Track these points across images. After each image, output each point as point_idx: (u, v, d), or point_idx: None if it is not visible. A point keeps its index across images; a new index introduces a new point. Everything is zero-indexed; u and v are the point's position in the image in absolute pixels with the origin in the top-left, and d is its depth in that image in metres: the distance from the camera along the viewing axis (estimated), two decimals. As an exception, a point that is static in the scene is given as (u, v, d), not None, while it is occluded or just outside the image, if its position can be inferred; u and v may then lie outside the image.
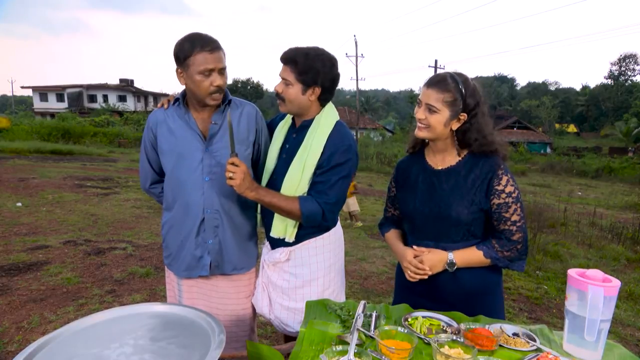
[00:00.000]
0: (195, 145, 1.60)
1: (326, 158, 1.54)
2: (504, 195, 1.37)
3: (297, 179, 1.55)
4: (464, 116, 1.38)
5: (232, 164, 1.44)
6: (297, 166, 1.56)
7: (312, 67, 1.50)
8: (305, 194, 1.57)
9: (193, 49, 1.48)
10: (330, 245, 1.68)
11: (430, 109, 1.37)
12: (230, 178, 1.44)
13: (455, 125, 1.40)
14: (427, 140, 1.53)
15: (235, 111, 1.66)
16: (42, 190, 7.52)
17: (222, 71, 1.53)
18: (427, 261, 1.41)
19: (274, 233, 1.62)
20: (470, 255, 1.40)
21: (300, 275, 1.65)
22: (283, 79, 1.54)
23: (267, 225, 1.67)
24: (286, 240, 1.61)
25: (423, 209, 1.45)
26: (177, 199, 1.64)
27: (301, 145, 1.58)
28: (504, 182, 1.37)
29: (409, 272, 1.44)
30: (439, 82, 1.38)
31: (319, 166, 1.55)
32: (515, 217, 1.38)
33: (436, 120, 1.37)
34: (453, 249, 1.41)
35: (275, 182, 1.62)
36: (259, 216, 1.74)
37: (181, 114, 1.62)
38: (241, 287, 1.74)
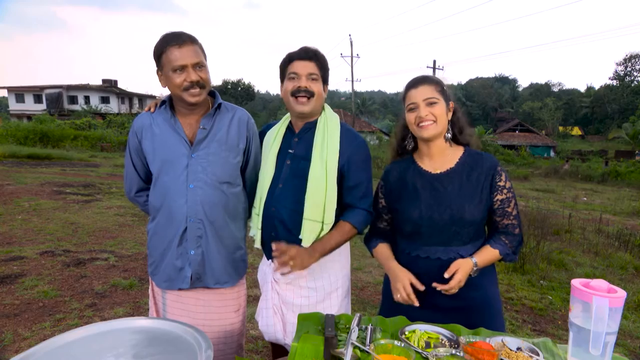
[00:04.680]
0: (180, 151, 1.59)
1: (348, 157, 1.59)
2: (505, 191, 1.47)
3: (322, 179, 1.57)
4: (452, 104, 1.52)
5: (281, 255, 1.50)
6: (319, 166, 1.57)
7: (326, 65, 1.64)
8: (334, 200, 1.59)
9: (164, 47, 1.51)
10: (344, 252, 1.72)
11: (431, 102, 1.47)
12: (293, 267, 1.50)
13: (449, 115, 1.52)
14: (410, 147, 1.63)
15: (226, 116, 1.66)
16: (18, 198, 7.44)
17: (197, 66, 1.53)
18: (462, 278, 1.41)
19: (307, 243, 1.58)
20: (489, 256, 1.47)
21: (321, 288, 1.65)
22: (310, 74, 1.58)
23: (283, 240, 1.62)
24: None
25: (431, 214, 1.48)
26: (161, 206, 1.63)
27: (315, 145, 1.60)
28: (503, 177, 1.48)
29: (399, 296, 1.46)
30: (423, 78, 1.51)
31: (343, 166, 1.59)
32: (515, 212, 1.49)
33: (440, 110, 1.48)
34: (462, 251, 1.46)
35: (283, 190, 1.61)
36: (258, 232, 1.69)
37: (167, 118, 1.62)
38: (229, 300, 1.72)
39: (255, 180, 1.74)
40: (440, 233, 1.47)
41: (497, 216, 1.49)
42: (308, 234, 1.58)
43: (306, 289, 1.64)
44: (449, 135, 1.53)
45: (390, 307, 1.57)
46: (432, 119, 1.46)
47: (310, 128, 1.64)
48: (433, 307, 1.48)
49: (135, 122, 1.68)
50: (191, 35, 1.54)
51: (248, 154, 1.72)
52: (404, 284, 1.45)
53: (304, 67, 1.58)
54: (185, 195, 1.59)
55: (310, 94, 1.58)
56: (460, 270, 1.41)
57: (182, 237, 1.61)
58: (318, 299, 1.64)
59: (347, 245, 1.74)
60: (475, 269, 1.43)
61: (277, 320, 1.68)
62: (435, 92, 1.47)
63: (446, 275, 1.41)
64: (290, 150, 1.66)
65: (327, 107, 1.70)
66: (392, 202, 1.61)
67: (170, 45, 1.50)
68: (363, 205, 1.61)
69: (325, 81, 1.65)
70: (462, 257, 1.44)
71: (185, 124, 1.62)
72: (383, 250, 1.63)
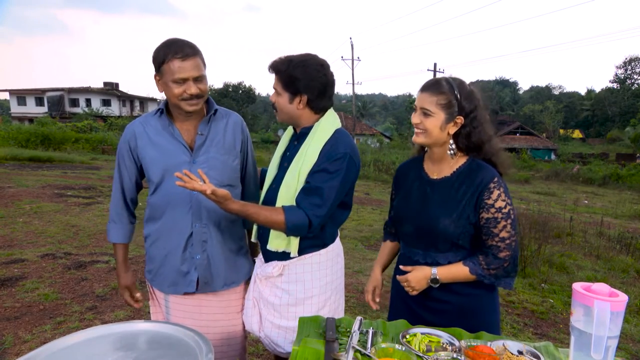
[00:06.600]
0: (181, 158, 1.60)
1: (319, 164, 1.55)
2: (493, 210, 1.38)
3: (293, 187, 1.56)
4: (460, 119, 1.41)
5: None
6: (293, 173, 1.57)
7: (292, 76, 1.53)
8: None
9: (167, 56, 1.48)
10: (328, 262, 1.67)
11: (425, 113, 1.41)
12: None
13: (452, 129, 1.43)
14: (426, 148, 1.57)
15: (221, 121, 1.68)
16: (19, 200, 7.44)
17: (197, 80, 1.51)
18: (412, 279, 1.46)
19: (272, 246, 1.59)
20: (455, 272, 1.43)
21: (294, 292, 1.63)
22: (274, 88, 1.60)
23: (264, 237, 1.66)
24: (291, 254, 1.59)
25: (413, 217, 1.50)
26: (164, 213, 1.64)
27: (299, 151, 1.60)
28: (494, 196, 1.38)
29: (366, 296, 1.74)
30: (432, 85, 1.43)
31: (310, 172, 1.56)
32: (504, 234, 1.39)
33: (431, 124, 1.41)
34: (440, 258, 1.46)
35: (275, 190, 1.63)
36: (255, 227, 1.72)
37: (165, 125, 1.62)
38: (232, 301, 1.74)
39: (254, 178, 1.82)
40: (420, 237, 1.49)
41: (482, 234, 1.42)
42: (275, 240, 1.58)
43: (280, 290, 1.64)
44: (452, 150, 1.45)
45: (396, 310, 1.63)
46: (422, 129, 1.43)
47: (306, 133, 1.63)
48: (427, 309, 1.50)
49: (127, 130, 1.66)
50: (194, 47, 1.52)
51: (244, 155, 1.75)
52: (368, 289, 1.72)
53: (273, 81, 1.60)
54: (190, 202, 1.60)
55: (275, 109, 1.64)
56: (414, 273, 1.46)
57: (188, 242, 1.62)
58: (290, 302, 1.63)
59: (330, 259, 1.67)
60: (432, 278, 1.42)
61: (254, 312, 1.70)
62: (435, 104, 1.39)
63: (401, 267, 1.53)
64: (288, 153, 1.69)
65: (327, 115, 1.63)
66: (395, 195, 1.65)
67: (174, 57, 1.47)
68: (308, 208, 1.50)
69: (294, 92, 1.55)
70: (440, 263, 1.45)
71: (183, 130, 1.63)
72: (383, 248, 1.77)
